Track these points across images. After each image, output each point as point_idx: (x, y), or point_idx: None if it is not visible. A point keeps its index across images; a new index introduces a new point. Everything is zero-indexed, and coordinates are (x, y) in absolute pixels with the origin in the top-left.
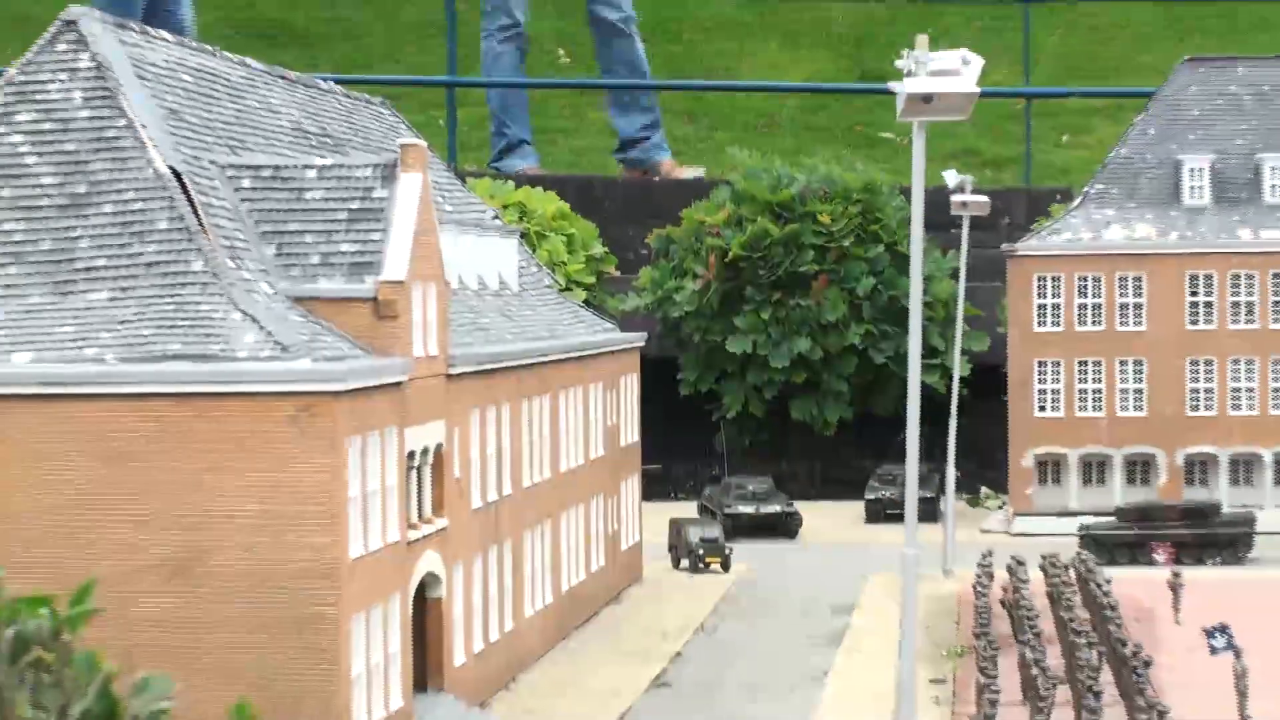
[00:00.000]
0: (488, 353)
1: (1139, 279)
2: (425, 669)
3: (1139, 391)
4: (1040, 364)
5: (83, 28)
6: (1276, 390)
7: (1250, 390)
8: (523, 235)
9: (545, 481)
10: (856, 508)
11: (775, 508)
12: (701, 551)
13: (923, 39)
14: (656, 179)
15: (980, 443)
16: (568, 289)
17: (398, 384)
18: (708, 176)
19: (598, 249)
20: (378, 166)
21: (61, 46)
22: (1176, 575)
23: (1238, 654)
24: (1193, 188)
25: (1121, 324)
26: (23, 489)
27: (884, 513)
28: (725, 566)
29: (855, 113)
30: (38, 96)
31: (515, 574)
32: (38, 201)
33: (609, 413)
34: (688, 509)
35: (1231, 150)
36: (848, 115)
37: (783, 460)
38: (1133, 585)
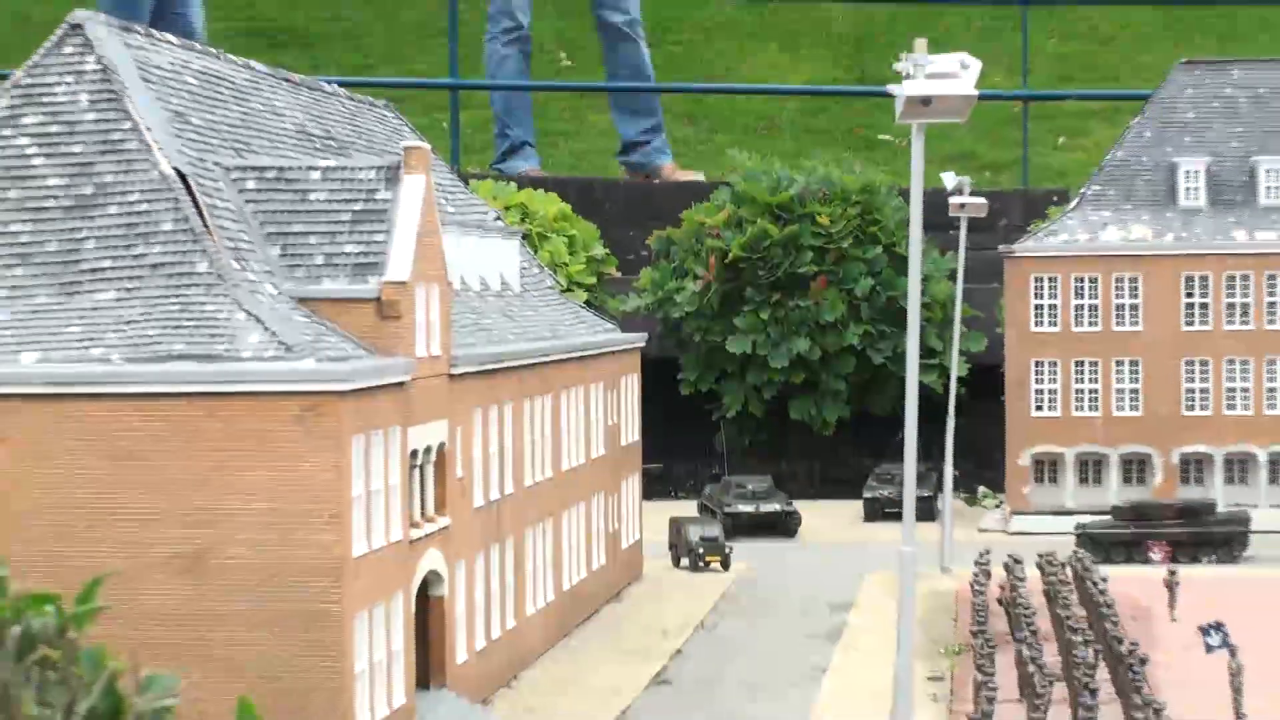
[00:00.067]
0: (490, 353)
1: (1135, 280)
2: (428, 666)
3: (1135, 391)
4: (1037, 364)
5: (88, 31)
6: (1271, 390)
7: (1245, 390)
8: (524, 237)
9: (547, 480)
10: (855, 506)
11: (774, 507)
12: (701, 550)
13: (921, 42)
14: (657, 181)
15: (977, 442)
16: (569, 290)
17: (401, 384)
18: (708, 178)
19: (599, 250)
20: (381, 168)
21: (68, 49)
22: (1172, 573)
23: (1233, 652)
24: (1188, 190)
25: (1118, 324)
26: (29, 487)
27: (882, 511)
28: (725, 565)
29: (854, 115)
30: (44, 99)
31: (517, 572)
32: (44, 203)
33: (610, 412)
34: (688, 508)
35: (1227, 153)
36: (847, 118)
37: (782, 459)
38: (1129, 583)
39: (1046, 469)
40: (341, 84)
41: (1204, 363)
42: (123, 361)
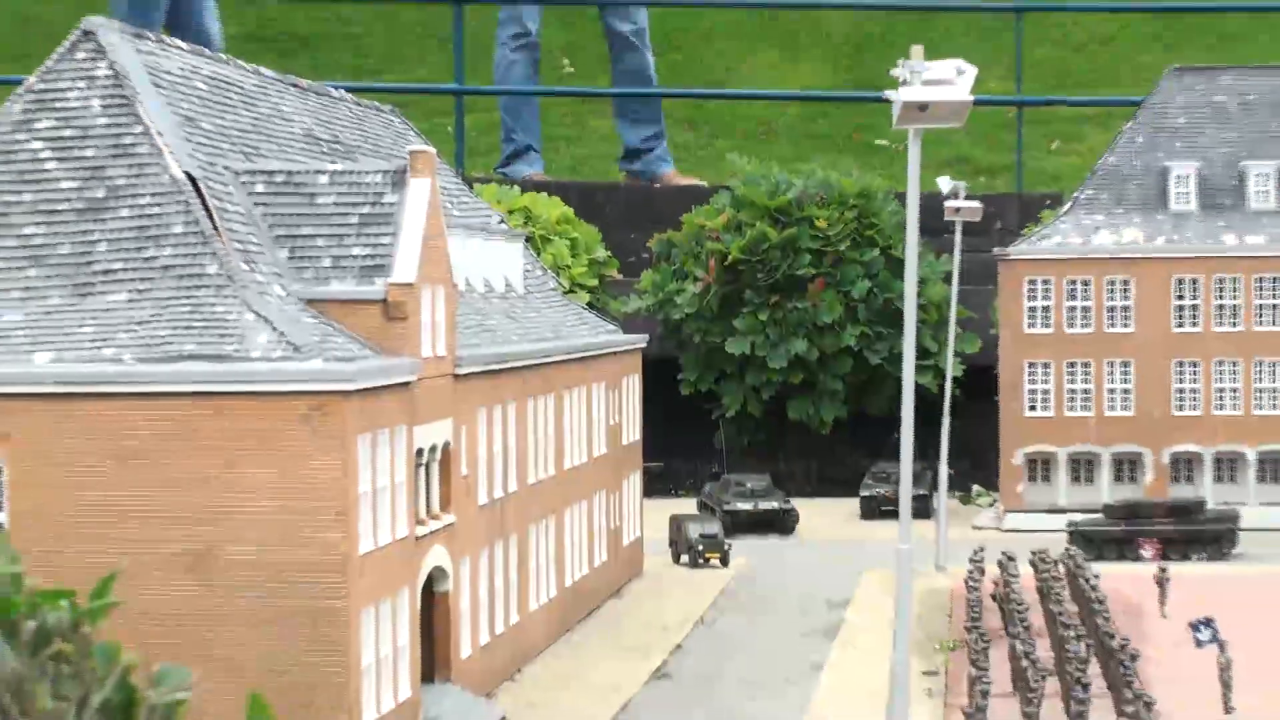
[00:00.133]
0: (494, 353)
1: (1127, 282)
2: (433, 661)
3: (1126, 392)
4: (1030, 365)
5: (101, 37)
6: (1260, 391)
7: (1234, 391)
8: (528, 239)
9: (549, 479)
10: (852, 505)
11: (773, 504)
12: (701, 547)
13: (918, 49)
14: (658, 185)
15: (972, 441)
16: (571, 291)
17: (407, 384)
18: (708, 183)
19: (601, 253)
20: (388, 172)
21: (80, 55)
22: (1163, 570)
23: (1222, 647)
24: (1179, 194)
25: (1110, 326)
26: (43, 486)
27: (878, 509)
28: (724, 562)
29: (852, 121)
30: (57, 104)
31: (520, 568)
32: (57, 206)
33: (611, 412)
34: (688, 506)
35: (1217, 158)
36: (845, 123)
37: (780, 458)
38: (1120, 580)
39: (1040, 468)
40: (348, 89)
41: (1194, 364)
42: (134, 361)
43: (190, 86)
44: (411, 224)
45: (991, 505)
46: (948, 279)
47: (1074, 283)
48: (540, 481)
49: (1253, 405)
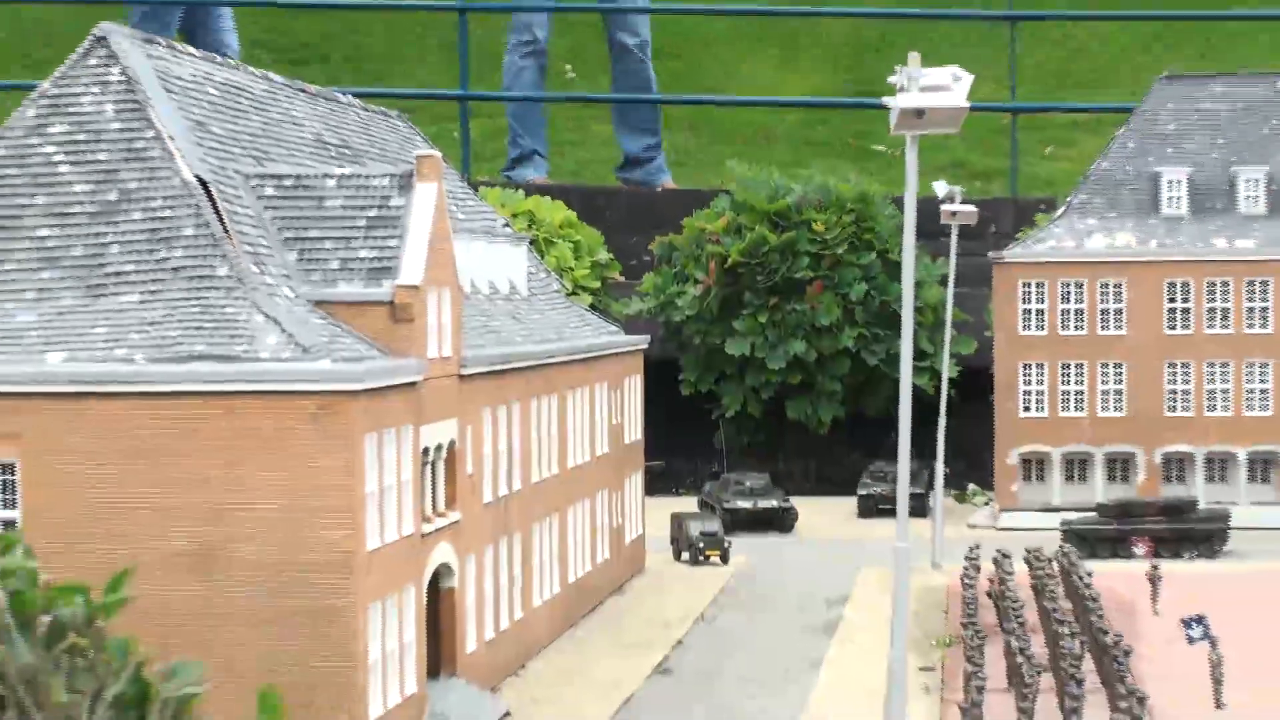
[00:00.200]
0: (498, 354)
1: (1119, 285)
2: (439, 656)
3: (1119, 393)
4: (1025, 366)
5: (113, 43)
6: (1250, 392)
7: (1225, 392)
8: (532, 242)
9: (553, 477)
10: (849, 503)
11: (772, 503)
12: (702, 545)
13: (915, 56)
14: (660, 189)
15: (967, 441)
16: (574, 294)
17: (413, 384)
18: (708, 187)
19: (603, 255)
20: (395, 176)
21: (93, 61)
22: (1155, 568)
23: (1213, 644)
24: (1171, 199)
25: (1103, 328)
26: (56, 483)
27: (876, 508)
28: (724, 559)
29: (850, 127)
30: (71, 109)
31: (524, 565)
32: (70, 209)
33: (614, 412)
34: (688, 504)
35: (1207, 163)
36: (843, 129)
37: (779, 458)
38: (1113, 578)
39: (1034, 467)
40: (356, 95)
41: (1186, 365)
42: (146, 362)
43: (201, 92)
44: (418, 227)
45: (987, 504)
46: (944, 282)
47: (1068, 285)
48: (544, 480)
49: (1243, 406)
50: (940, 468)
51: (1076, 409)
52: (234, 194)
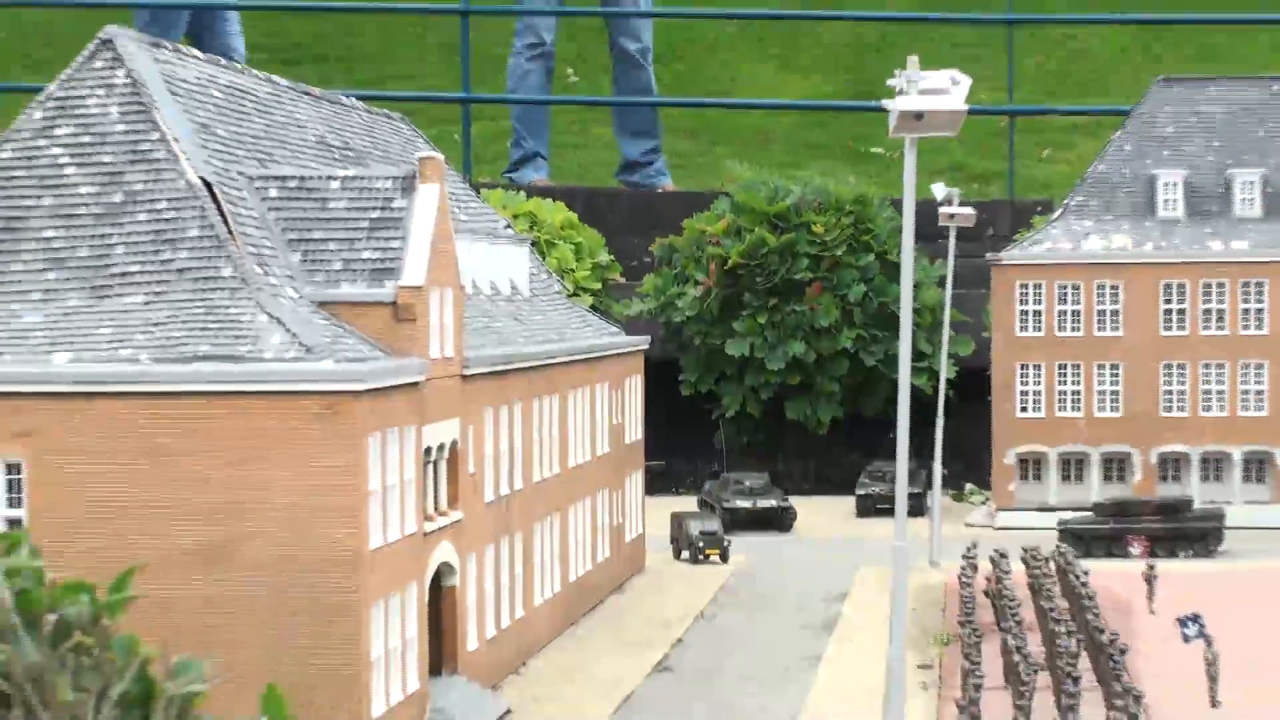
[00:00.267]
0: (500, 354)
1: (1116, 287)
2: (440, 653)
3: (1115, 393)
4: (1022, 367)
5: (119, 46)
6: (1245, 393)
7: (1220, 392)
8: (533, 244)
9: (554, 477)
10: (848, 503)
11: (771, 503)
12: (701, 544)
13: (914, 60)
14: (660, 191)
15: (965, 441)
16: (575, 295)
17: (415, 384)
18: (708, 189)
19: (604, 257)
20: (397, 178)
21: (98, 64)
22: (1151, 567)
23: (1208, 642)
24: (1166, 201)
25: (1099, 329)
26: (62, 482)
27: (874, 507)
28: (724, 558)
29: (848, 130)
30: (77, 111)
31: (525, 564)
32: (76, 210)
33: (614, 412)
34: (688, 503)
35: (1203, 166)
36: (841, 132)
37: (778, 457)
38: (1109, 577)
39: (1031, 467)
40: (359, 98)
41: (1181, 366)
42: (150, 362)
43: (206, 94)
44: (420, 228)
45: (984, 503)
46: (942, 283)
47: (1064, 287)
48: (545, 480)
49: (1238, 407)
50: (938, 467)
51: (1073, 409)
52: (238, 196)
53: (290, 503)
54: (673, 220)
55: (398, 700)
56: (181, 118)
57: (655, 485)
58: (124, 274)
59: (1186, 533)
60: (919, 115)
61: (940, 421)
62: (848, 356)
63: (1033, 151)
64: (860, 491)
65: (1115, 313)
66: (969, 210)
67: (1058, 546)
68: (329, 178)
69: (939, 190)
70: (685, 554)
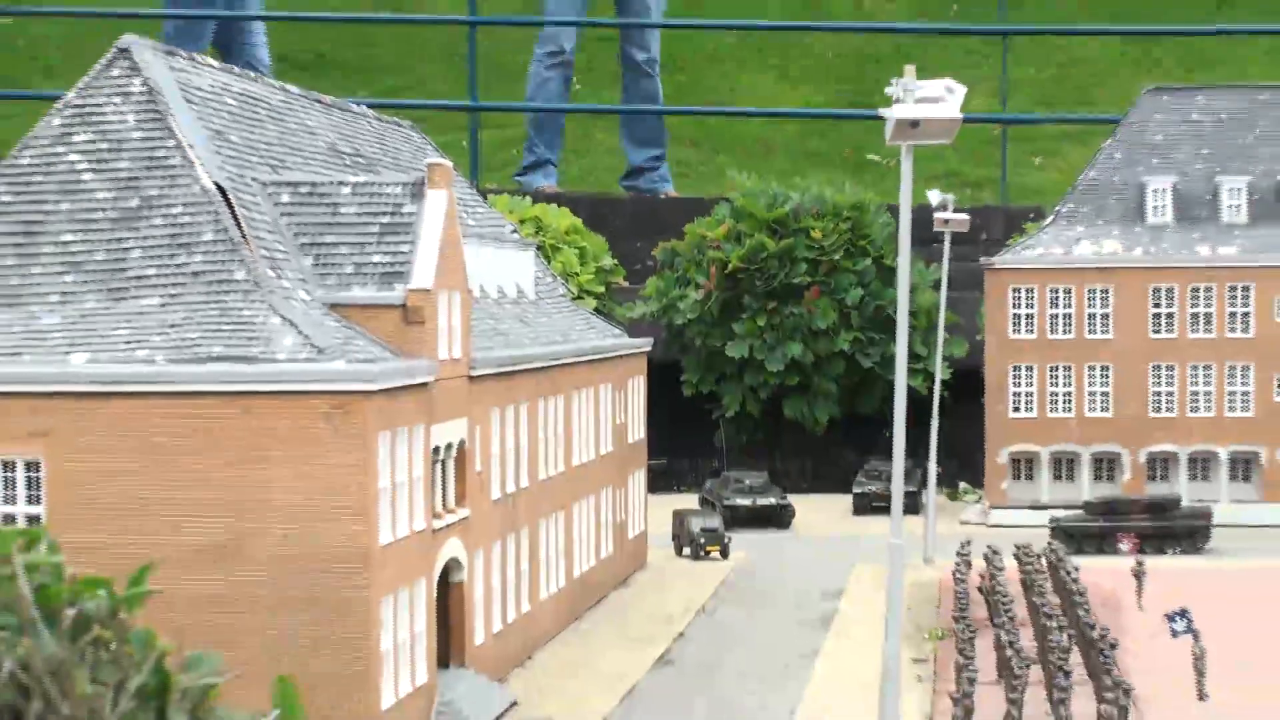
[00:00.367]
0: (507, 356)
1: (1106, 291)
2: (448, 647)
3: (1105, 394)
4: (1015, 368)
5: (135, 55)
6: (1232, 394)
7: (1208, 394)
8: (539, 248)
9: (559, 475)
10: (845, 501)
11: (770, 500)
12: (702, 540)
13: (910, 69)
14: (663, 197)
15: (959, 441)
16: (580, 298)
17: (424, 384)
18: (709, 195)
19: (608, 261)
20: (407, 184)
21: (116, 72)
22: (1140, 564)
23: (1196, 637)
24: (1156, 207)
25: (1090, 332)
26: (79, 480)
27: (870, 505)
28: (724, 554)
29: (846, 138)
30: (94, 118)
31: (531, 560)
32: (93, 215)
33: (617, 412)
34: (689, 501)
35: (1192, 173)
36: (839, 141)
37: (777, 456)
38: (1099, 573)
39: (1023, 466)
40: (369, 106)
41: (1170, 368)
42: (166, 362)
43: (220, 102)
44: (429, 233)
45: (978, 502)
46: (937, 287)
47: (1056, 291)
48: (550, 478)
49: (1225, 408)
50: (933, 466)
51: (1064, 410)
52: (252, 201)
53: (302, 500)
54: (675, 225)
55: (407, 692)
56: (196, 125)
57: (657, 483)
58: (140, 277)
59: (1175, 530)
60: (915, 123)
61: (935, 421)
62: (845, 358)
63: (1025, 159)
64: (857, 490)
65: (1105, 316)
66: (963, 216)
67: (1049, 544)
68: (340, 183)
69: (934, 196)
70: (687, 550)
